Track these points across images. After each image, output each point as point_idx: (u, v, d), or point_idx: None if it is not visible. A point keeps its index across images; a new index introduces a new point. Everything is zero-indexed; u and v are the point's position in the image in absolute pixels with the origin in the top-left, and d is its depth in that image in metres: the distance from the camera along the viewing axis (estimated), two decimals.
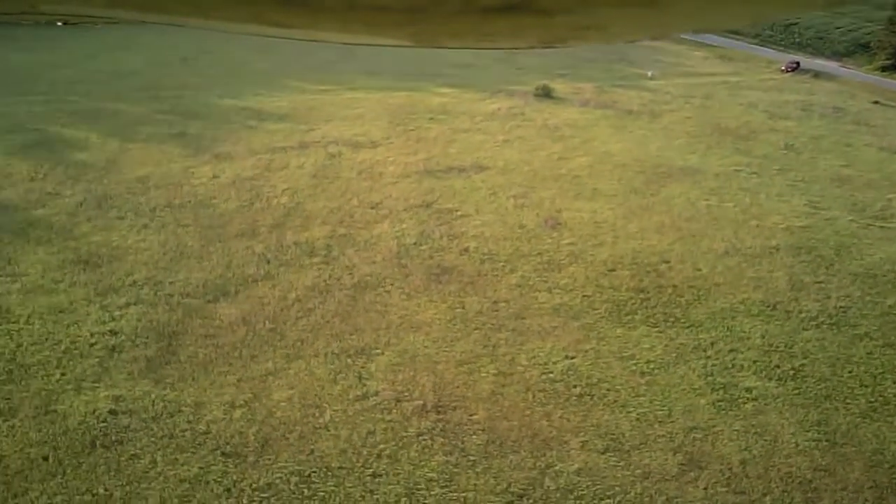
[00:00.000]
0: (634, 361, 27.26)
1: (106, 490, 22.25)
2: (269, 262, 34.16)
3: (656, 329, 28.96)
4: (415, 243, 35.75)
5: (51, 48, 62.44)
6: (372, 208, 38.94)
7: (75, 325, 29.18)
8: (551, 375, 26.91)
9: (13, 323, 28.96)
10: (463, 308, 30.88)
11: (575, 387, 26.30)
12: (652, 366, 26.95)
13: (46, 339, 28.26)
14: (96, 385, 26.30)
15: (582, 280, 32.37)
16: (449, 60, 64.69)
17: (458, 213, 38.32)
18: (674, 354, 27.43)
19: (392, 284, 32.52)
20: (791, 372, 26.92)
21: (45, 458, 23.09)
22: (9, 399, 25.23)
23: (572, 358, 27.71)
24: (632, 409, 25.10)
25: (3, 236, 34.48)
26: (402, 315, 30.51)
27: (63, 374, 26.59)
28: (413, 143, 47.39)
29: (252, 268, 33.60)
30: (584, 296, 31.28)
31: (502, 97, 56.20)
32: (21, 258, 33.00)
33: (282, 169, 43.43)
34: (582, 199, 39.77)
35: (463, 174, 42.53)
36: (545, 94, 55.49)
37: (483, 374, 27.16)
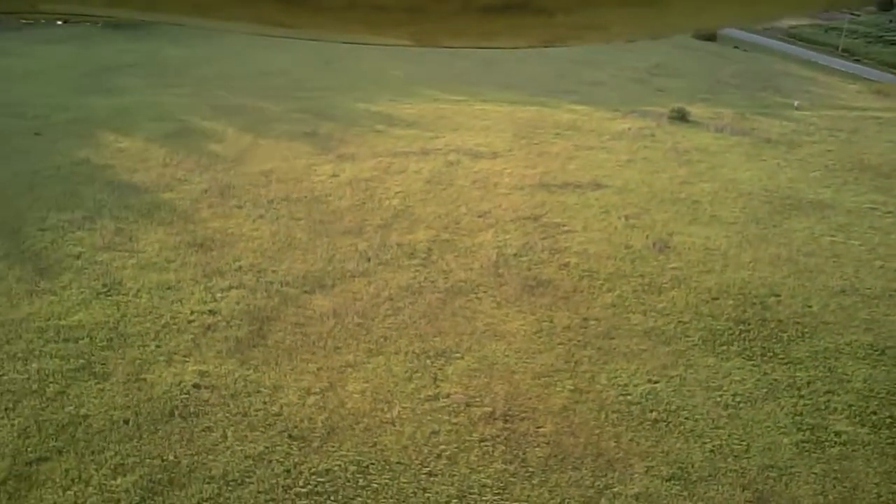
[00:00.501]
0: (720, 393, 25.92)
1: (175, 458, 23.58)
2: (369, 259, 35.14)
3: (751, 362, 27.42)
4: (515, 254, 35.70)
5: (206, 44, 67.41)
6: (479, 217, 39.26)
7: (178, 303, 31.17)
8: (629, 397, 26.07)
9: (122, 295, 31.32)
10: (551, 322, 30.50)
11: (651, 411, 25.34)
12: (738, 399, 25.54)
13: (149, 313, 30.34)
14: (186, 359, 27.97)
15: (681, 305, 31.17)
16: (584, 78, 64.38)
17: (565, 228, 37.92)
18: (764, 390, 25.86)
19: (484, 292, 32.62)
20: (888, 420, 24.70)
21: (126, 422, 24.76)
22: (104, 364, 27.30)
23: (655, 382, 26.73)
24: (707, 440, 23.89)
25: (130, 215, 37.39)
26: (488, 323, 30.53)
27: (158, 347, 28.46)
28: (534, 156, 47.38)
29: (352, 264, 34.68)
30: (679, 321, 30.11)
31: (634, 117, 55.17)
32: (142, 237, 35.67)
33: (399, 173, 44.61)
34: (697, 224, 38.31)
35: (578, 190, 42.07)
36: (680, 116, 53.97)
37: (558, 389, 26.70)
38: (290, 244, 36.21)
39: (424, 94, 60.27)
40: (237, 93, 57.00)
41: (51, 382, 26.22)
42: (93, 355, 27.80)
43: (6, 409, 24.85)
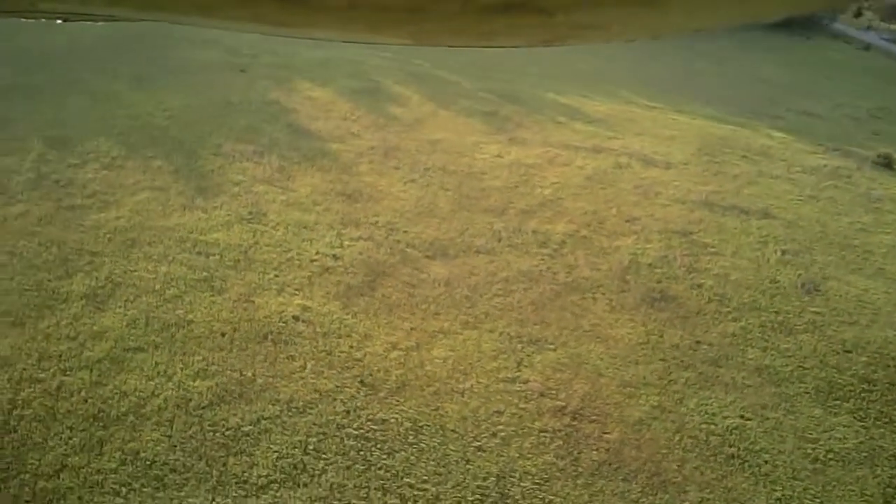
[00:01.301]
0: (814, 445, 23.70)
1: (252, 375, 25.40)
2: (500, 240, 35.52)
3: (860, 423, 24.74)
4: (649, 264, 34.53)
5: None
6: (627, 221, 38.26)
7: (308, 242, 33.32)
8: (712, 427, 24.61)
9: (263, 225, 33.94)
10: (660, 337, 29.34)
11: (730, 447, 23.77)
12: (830, 456, 23.24)
13: (279, 246, 32.68)
14: (295, 293, 29.90)
15: (807, 351, 28.74)
16: (796, 106, 59.90)
17: (713, 249, 36.04)
18: (864, 454, 23.28)
19: (602, 294, 31.93)
20: None
21: (223, 334, 26.96)
22: (224, 281, 29.78)
23: (746, 419, 24.99)
24: (778, 488, 22.02)
25: (296, 157, 40.23)
26: (594, 323, 29.96)
27: (276, 276, 30.63)
28: (709, 174, 45.15)
29: (482, 241, 35.23)
30: (799, 366, 27.82)
31: (835, 156, 50.85)
32: (299, 178, 38.31)
33: (563, 165, 44.40)
34: (859, 274, 34.84)
35: (742, 216, 39.67)
36: (886, 163, 49.10)
37: (640, 402, 25.77)
38: (430, 211, 37.37)
39: (620, 94, 59.26)
40: (436, 64, 59.11)
41: (172, 286, 29.04)
42: (217, 271, 30.45)
43: (125, 301, 27.88)
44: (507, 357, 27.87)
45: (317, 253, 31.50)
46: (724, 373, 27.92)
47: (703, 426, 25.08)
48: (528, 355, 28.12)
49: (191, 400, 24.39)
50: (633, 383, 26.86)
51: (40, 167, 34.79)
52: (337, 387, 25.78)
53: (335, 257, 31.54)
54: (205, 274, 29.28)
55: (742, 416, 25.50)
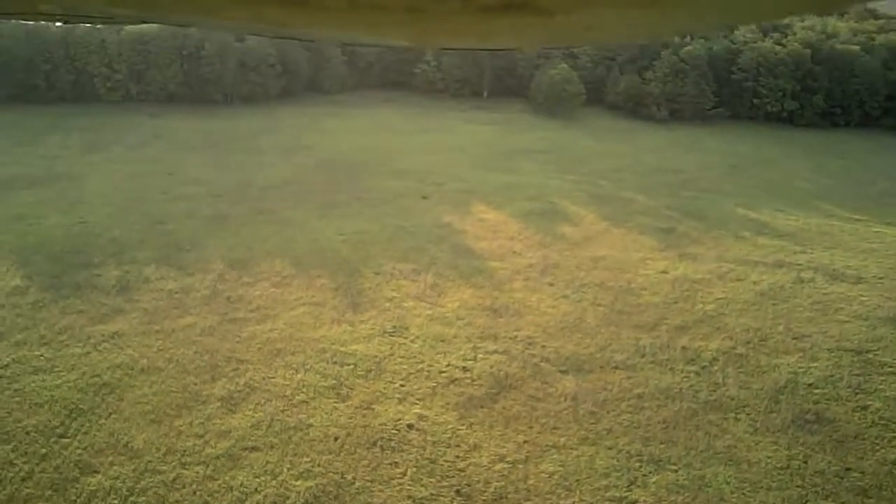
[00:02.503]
0: None
1: (353, 479, 26.41)
2: (643, 356, 34.39)
3: None
4: (810, 384, 31.58)
5: (622, 140, 71.84)
6: (794, 338, 35.46)
7: (442, 354, 34.48)
8: None
9: (402, 338, 35.77)
10: (804, 462, 26.49)
11: None
12: None
13: (413, 358, 34.34)
14: (416, 403, 30.98)
15: None
16: None
17: (889, 369, 32.28)
18: None
19: (747, 414, 29.63)
20: None
21: (336, 438, 28.45)
22: (350, 389, 31.65)
23: None
24: None
25: (452, 275, 42.35)
26: (730, 445, 27.79)
27: (401, 386, 32.04)
28: None
29: (623, 356, 34.34)
30: None
31: None
32: (450, 294, 40.19)
33: (735, 280, 42.35)
34: None
35: None
36: None
37: None
38: (575, 326, 37.14)
39: (821, 208, 55.79)
40: (622, 185, 59.51)
41: (301, 393, 31.25)
42: (347, 380, 32.34)
43: (256, 404, 30.41)
44: (620, 475, 26.72)
45: (447, 365, 32.51)
46: None
47: None
48: (644, 475, 26.78)
49: (288, 498, 25.80)
50: None
51: (217, 285, 38.95)
52: (432, 494, 26.10)
53: (465, 369, 32.33)
54: (334, 382, 31.26)
55: None
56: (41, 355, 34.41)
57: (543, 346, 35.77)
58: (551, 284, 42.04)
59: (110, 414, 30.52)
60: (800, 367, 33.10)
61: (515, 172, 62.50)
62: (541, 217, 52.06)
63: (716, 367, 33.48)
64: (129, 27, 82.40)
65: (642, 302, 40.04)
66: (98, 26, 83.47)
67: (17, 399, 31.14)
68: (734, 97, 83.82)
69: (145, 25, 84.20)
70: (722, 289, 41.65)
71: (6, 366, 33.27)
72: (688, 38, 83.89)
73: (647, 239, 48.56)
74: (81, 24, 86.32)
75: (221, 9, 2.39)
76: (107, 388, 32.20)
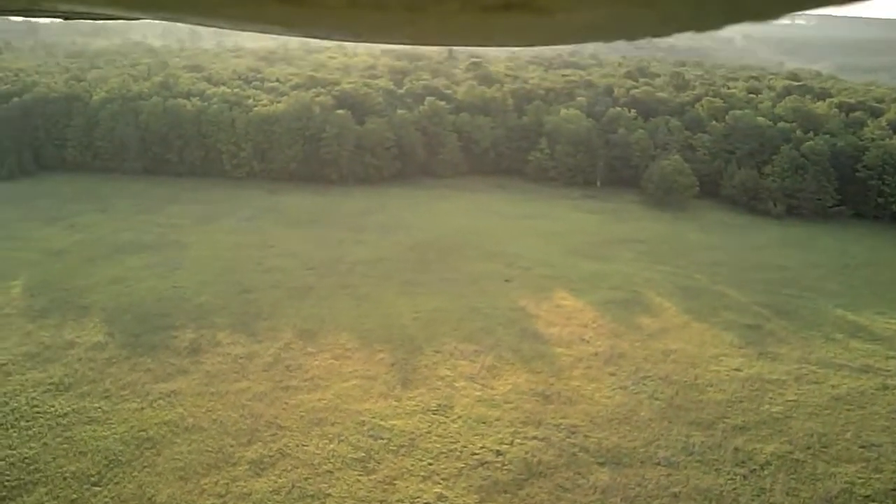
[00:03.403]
0: None
1: None
2: (690, 454, 33.07)
3: None
4: (867, 496, 29.22)
5: (733, 234, 70.20)
6: (861, 447, 33.02)
7: (479, 436, 34.52)
8: None
9: (445, 416, 36.03)
10: None
11: None
12: None
13: (449, 436, 34.43)
14: (439, 482, 30.98)
15: None
16: None
17: None
18: None
19: None
20: None
21: None
22: (378, 463, 31.91)
23: None
24: None
25: (512, 358, 42.48)
26: None
27: (429, 464, 32.19)
28: None
29: (668, 452, 33.22)
30: None
31: None
32: (504, 377, 40.36)
33: (810, 383, 40.16)
34: None
35: None
36: None
37: None
38: (626, 418, 36.20)
39: None
40: (717, 279, 57.71)
41: (328, 462, 32.01)
42: (377, 454, 32.88)
43: (283, 470, 31.65)
44: None
45: (482, 447, 32.59)
46: None
47: None
48: None
49: None
50: None
51: (281, 353, 40.75)
52: None
53: (498, 453, 32.34)
54: (364, 455, 32.01)
55: None
56: (99, 407, 36.86)
57: (586, 436, 34.93)
58: (612, 374, 41.10)
59: (144, 467, 32.20)
60: (859, 478, 30.75)
61: (608, 261, 61.82)
62: (620, 306, 51.15)
63: (766, 472, 31.61)
64: (257, 109, 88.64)
65: (705, 398, 38.41)
66: (230, 107, 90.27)
67: (66, 446, 33.46)
68: (858, 195, 79.43)
69: (272, 107, 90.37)
70: (795, 390, 39.36)
71: (65, 415, 35.89)
72: (810, 134, 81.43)
73: (727, 335, 46.67)
74: (213, 104, 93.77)
75: (221, 7, 2.49)
76: (149, 442, 34.02)
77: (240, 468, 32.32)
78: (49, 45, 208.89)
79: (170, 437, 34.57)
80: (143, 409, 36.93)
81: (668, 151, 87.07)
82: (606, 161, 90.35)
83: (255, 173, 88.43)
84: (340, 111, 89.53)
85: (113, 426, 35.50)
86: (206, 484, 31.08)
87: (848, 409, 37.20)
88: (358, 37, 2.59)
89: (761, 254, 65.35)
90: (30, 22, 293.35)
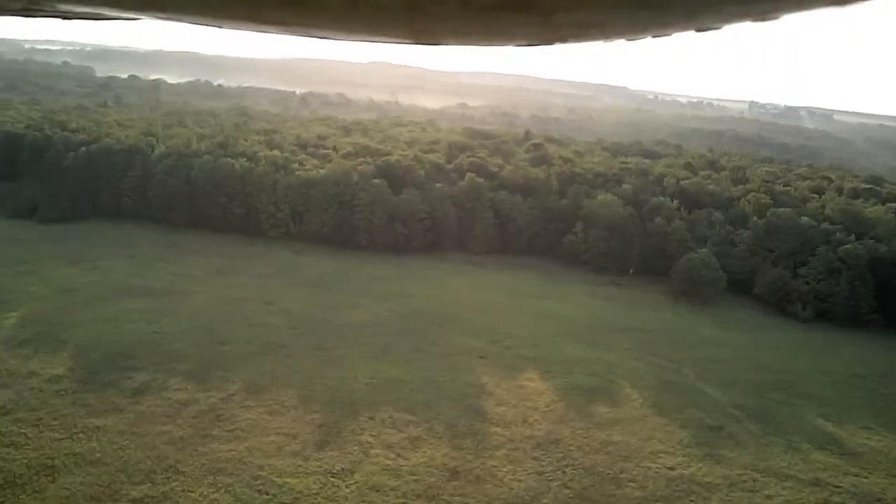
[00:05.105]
0: None
1: None
2: None
3: None
4: None
5: (741, 333, 68.05)
6: None
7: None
8: None
9: (340, 479, 36.23)
10: None
11: None
12: None
13: (333, 500, 34.53)
14: None
15: None
16: None
17: None
18: None
19: None
20: None
21: None
22: None
23: None
24: None
25: (443, 432, 42.65)
26: None
27: None
28: None
29: None
30: None
31: None
32: (423, 449, 40.52)
33: (745, 490, 38.88)
34: None
35: None
36: None
37: None
38: (524, 503, 35.65)
39: None
40: (706, 376, 56.27)
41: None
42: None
43: None
44: None
45: None
46: None
47: None
48: None
49: None
50: None
51: (219, 404, 42.52)
52: None
53: None
54: None
55: None
56: (24, 433, 39.12)
57: None
58: (536, 459, 40.63)
59: (35, 492, 34.04)
60: None
61: (598, 348, 60.97)
62: (584, 393, 50.46)
63: None
64: (299, 172, 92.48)
65: (619, 494, 37.51)
66: (276, 170, 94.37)
67: None
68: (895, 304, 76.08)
69: (314, 172, 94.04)
70: (722, 497, 37.93)
71: None
72: (852, 237, 78.60)
73: (681, 433, 45.37)
74: (260, 166, 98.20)
75: (220, 7, 2.53)
76: (50, 470, 35.91)
77: None
78: (160, 103, 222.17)
79: (71, 467, 36.32)
80: (61, 439, 38.92)
81: (705, 244, 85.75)
82: (641, 250, 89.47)
83: (291, 234, 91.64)
84: (377, 180, 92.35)
85: (27, 451, 37.55)
86: None
87: None
88: (357, 37, 2.64)
89: (769, 356, 63.11)
90: (155, 82, 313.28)
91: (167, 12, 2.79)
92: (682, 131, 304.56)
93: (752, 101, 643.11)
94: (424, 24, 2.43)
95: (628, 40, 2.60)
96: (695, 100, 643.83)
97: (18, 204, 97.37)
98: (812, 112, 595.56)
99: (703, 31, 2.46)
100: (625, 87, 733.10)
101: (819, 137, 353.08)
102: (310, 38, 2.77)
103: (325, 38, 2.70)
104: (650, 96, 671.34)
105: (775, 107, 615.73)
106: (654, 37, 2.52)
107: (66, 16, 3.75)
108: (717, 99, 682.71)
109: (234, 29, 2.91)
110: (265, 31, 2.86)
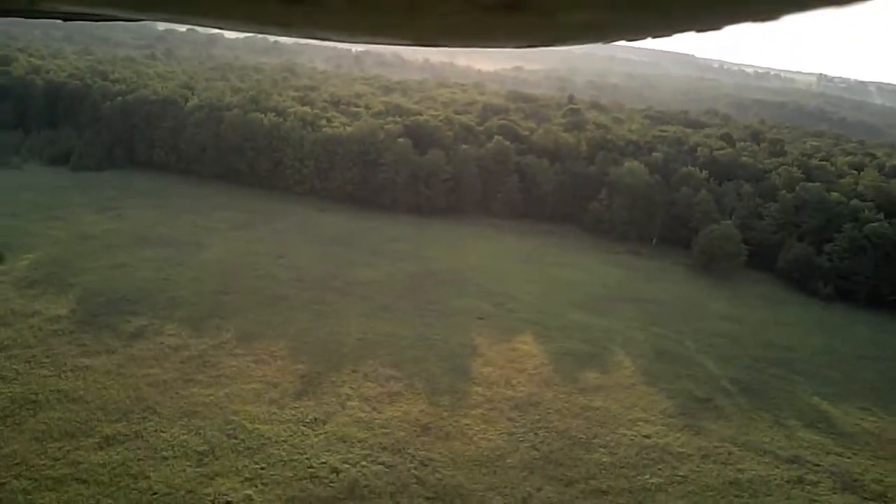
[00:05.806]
0: None
1: None
2: None
3: None
4: None
5: (753, 309, 67.06)
6: None
7: (328, 452, 35.34)
8: None
9: (316, 428, 37.12)
10: None
11: None
12: None
13: (293, 446, 35.46)
14: (245, 481, 32.17)
15: None
16: None
17: None
18: None
19: None
20: None
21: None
22: (215, 458, 33.60)
23: None
24: None
25: (423, 388, 43.13)
26: None
27: (247, 466, 33.41)
28: None
29: (502, 501, 32.99)
30: None
31: None
32: (399, 403, 41.26)
33: (718, 462, 38.60)
34: None
35: None
36: None
37: None
38: (489, 461, 36.67)
39: None
40: (706, 349, 55.70)
41: (171, 450, 33.95)
42: (221, 451, 34.66)
43: (122, 449, 33.70)
44: None
45: (322, 463, 34.49)
46: None
47: None
48: None
49: None
50: None
51: (208, 350, 43.37)
52: None
53: (335, 471, 34.53)
54: (206, 448, 34.43)
55: None
56: (16, 369, 40.80)
57: (434, 471, 35.38)
58: (511, 420, 40.99)
59: (15, 424, 35.74)
60: None
61: (601, 315, 60.71)
62: (575, 359, 50.50)
63: None
64: (325, 129, 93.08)
65: (587, 458, 37.72)
66: (303, 126, 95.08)
67: None
68: None
69: (340, 129, 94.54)
70: (692, 467, 37.87)
71: None
72: (881, 215, 76.40)
73: (666, 402, 45.22)
74: (288, 122, 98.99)
75: (220, 7, 2.56)
76: (32, 404, 37.52)
77: (90, 440, 35.01)
78: (211, 57, 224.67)
79: (52, 402, 37.85)
80: (49, 376, 40.52)
81: (731, 216, 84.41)
82: (665, 220, 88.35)
83: (316, 190, 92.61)
84: (402, 139, 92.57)
85: (14, 386, 39.23)
86: (51, 448, 33.96)
87: (735, 496, 35.51)
88: (357, 37, 2.66)
89: (778, 332, 62.14)
90: (211, 34, 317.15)
91: (167, 12, 2.77)
92: (742, 101, 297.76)
93: (821, 74, 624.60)
94: (424, 23, 2.39)
95: (629, 41, 2.58)
96: (761, 70, 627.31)
97: (56, 151, 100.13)
98: (882, 88, 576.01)
99: (704, 31, 2.48)
100: (692, 56, 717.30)
101: (882, 114, 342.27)
102: (311, 38, 2.76)
103: (327, 38, 2.69)
104: (715, 65, 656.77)
105: (844, 80, 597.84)
106: (654, 37, 2.52)
107: (67, 16, 3.79)
108: (785, 70, 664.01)
109: (234, 29, 2.89)
110: (266, 32, 2.82)
